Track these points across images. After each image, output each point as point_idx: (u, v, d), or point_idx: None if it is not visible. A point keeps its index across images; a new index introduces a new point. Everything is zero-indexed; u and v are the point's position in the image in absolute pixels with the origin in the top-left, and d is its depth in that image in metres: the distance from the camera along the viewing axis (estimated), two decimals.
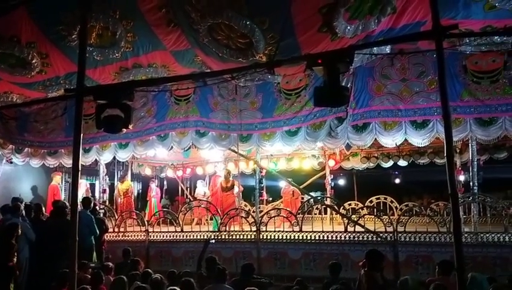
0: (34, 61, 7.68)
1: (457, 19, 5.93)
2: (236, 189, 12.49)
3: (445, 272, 6.02)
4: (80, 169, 5.19)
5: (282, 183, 14.48)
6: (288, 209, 11.84)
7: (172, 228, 10.90)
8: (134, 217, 11.80)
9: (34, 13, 6.78)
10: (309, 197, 12.58)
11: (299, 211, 11.23)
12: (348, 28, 6.33)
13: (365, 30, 6.44)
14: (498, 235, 8.49)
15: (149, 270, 7.15)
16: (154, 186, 15.47)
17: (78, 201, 6.33)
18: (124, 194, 13.91)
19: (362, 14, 6.13)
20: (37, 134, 11.45)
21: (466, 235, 8.54)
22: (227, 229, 10.34)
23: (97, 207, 10.87)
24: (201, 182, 15.89)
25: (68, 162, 11.60)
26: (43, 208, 9.72)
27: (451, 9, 5.94)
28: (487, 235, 8.56)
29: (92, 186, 15.12)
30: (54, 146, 11.66)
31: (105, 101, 5.64)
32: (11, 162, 12.74)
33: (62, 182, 14.01)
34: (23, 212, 8.53)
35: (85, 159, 10.89)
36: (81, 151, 5.34)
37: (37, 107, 10.75)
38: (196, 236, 10.43)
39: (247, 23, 6.32)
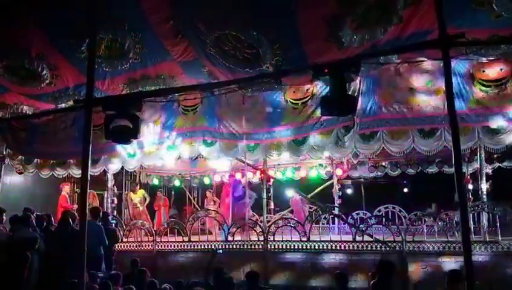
0: (43, 73, 7.79)
1: (463, 27, 5.95)
2: (247, 199, 12.48)
3: (454, 281, 5.96)
4: (89, 179, 5.23)
5: (290, 193, 14.42)
6: (295, 219, 11.79)
7: (179, 238, 10.90)
8: (142, 227, 11.81)
9: (44, 26, 6.88)
10: (317, 207, 12.54)
11: (307, 219, 11.15)
12: (355, 37, 6.36)
13: (371, 40, 6.46)
14: (508, 244, 8.40)
15: (155, 280, 7.15)
16: (161, 195, 15.48)
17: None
18: (141, 203, 14.00)
19: (369, 23, 6.16)
20: (46, 145, 11.50)
21: (475, 244, 8.47)
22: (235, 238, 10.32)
23: (110, 217, 10.88)
24: (209, 192, 15.88)
25: (77, 172, 11.66)
26: (53, 219, 9.76)
27: (457, 18, 5.94)
28: (496, 244, 8.48)
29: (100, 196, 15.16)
30: (63, 157, 11.73)
31: (114, 111, 5.70)
32: (21, 173, 12.82)
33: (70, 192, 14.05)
34: (34, 222, 8.57)
35: (93, 170, 10.94)
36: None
37: (47, 118, 10.85)
38: (204, 246, 10.42)
39: (254, 33, 6.37)
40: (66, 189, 13.32)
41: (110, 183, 12.90)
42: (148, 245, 10.95)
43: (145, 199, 14.46)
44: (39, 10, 6.52)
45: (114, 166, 11.53)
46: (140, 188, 14.82)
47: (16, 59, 7.46)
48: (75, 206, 12.76)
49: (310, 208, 13.68)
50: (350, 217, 12.11)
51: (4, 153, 12.19)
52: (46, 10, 6.49)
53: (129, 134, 5.79)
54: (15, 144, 11.81)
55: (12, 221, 8.44)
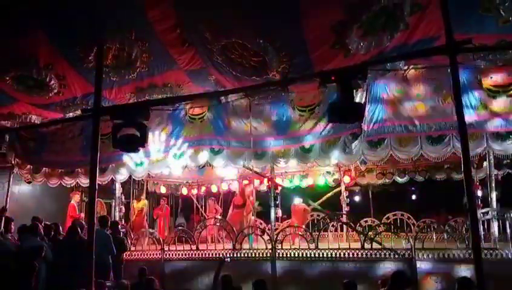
0: (51, 82, 7.84)
1: (470, 33, 5.92)
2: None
3: (464, 288, 5.90)
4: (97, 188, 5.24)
5: (296, 201, 14.37)
6: (296, 224, 11.77)
7: (187, 247, 10.89)
8: (151, 236, 11.81)
9: (51, 36, 6.93)
10: (324, 215, 12.50)
11: (317, 228, 11.11)
12: (361, 44, 6.36)
13: (378, 46, 6.46)
14: None
15: None
16: (163, 204, 15.45)
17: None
18: (139, 212, 13.97)
19: (375, 30, 6.16)
20: (54, 154, 11.55)
21: (486, 251, 8.37)
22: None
23: (119, 227, 10.89)
24: (212, 200, 15.87)
25: (85, 181, 11.69)
26: (61, 228, 9.79)
27: (464, 24, 5.93)
28: (507, 251, 8.39)
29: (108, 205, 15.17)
30: (71, 166, 11.78)
31: (121, 120, 5.72)
32: (29, 182, 12.88)
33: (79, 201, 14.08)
34: (42, 232, 8.59)
35: (101, 179, 10.96)
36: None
37: (55, 127, 10.91)
38: (212, 254, 10.40)
39: (260, 41, 6.39)
40: (76, 198, 13.36)
41: (118, 192, 12.92)
42: (156, 254, 10.94)
43: (142, 209, 14.30)
44: (47, 20, 6.57)
45: (121, 175, 11.55)
46: (146, 197, 14.81)
47: (24, 69, 7.50)
48: (83, 214, 12.78)
49: (318, 215, 13.61)
50: (358, 224, 12.04)
51: (13, 162, 12.25)
52: (53, 20, 6.53)
53: (137, 142, 5.80)
54: (23, 153, 11.89)
55: (20, 230, 8.48)
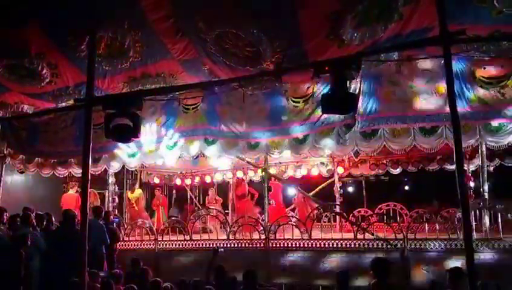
0: (43, 72, 7.78)
1: (464, 24, 5.92)
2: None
3: (456, 278, 5.95)
4: (89, 178, 5.22)
5: (293, 191, 14.42)
6: (297, 217, 11.81)
7: (181, 237, 10.91)
8: (143, 226, 11.81)
9: (44, 25, 6.86)
10: (319, 205, 12.54)
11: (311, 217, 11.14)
12: (355, 35, 6.35)
13: (372, 37, 6.45)
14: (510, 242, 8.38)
15: (158, 279, 7.13)
16: (159, 194, 15.45)
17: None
18: (136, 203, 13.96)
19: (369, 21, 6.15)
20: (47, 144, 11.50)
21: (477, 242, 8.44)
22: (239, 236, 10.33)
23: (111, 217, 10.88)
24: (211, 190, 15.87)
25: (77, 171, 11.65)
26: (53, 218, 9.76)
27: (458, 14, 5.93)
28: (498, 242, 8.47)
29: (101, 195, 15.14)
30: (63, 156, 11.73)
31: (114, 110, 5.69)
32: (22, 172, 12.82)
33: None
34: (34, 221, 8.57)
35: (94, 169, 10.92)
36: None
37: (47, 117, 10.85)
38: (206, 245, 10.42)
39: (254, 31, 6.36)
40: (74, 189, 13.27)
41: (111, 182, 12.89)
42: (150, 244, 10.96)
43: (138, 199, 14.30)
44: (39, 9, 6.49)
45: (114, 165, 11.52)
46: (139, 187, 14.78)
47: (15, 58, 7.45)
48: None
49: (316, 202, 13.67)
50: (352, 215, 12.11)
51: (5, 152, 12.20)
52: (46, 9, 6.46)
53: (130, 133, 5.77)
54: (16, 143, 11.83)
55: (10, 220, 8.46)
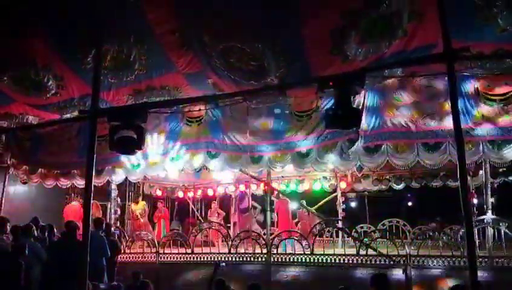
0: (49, 83, 7.84)
1: (468, 42, 5.94)
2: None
3: None
4: (92, 190, 5.22)
5: (295, 205, 14.37)
6: (299, 232, 11.74)
7: (182, 250, 10.87)
8: (145, 238, 11.76)
9: (50, 37, 6.92)
10: (321, 220, 12.50)
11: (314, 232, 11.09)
12: (359, 50, 6.38)
13: (376, 53, 6.48)
14: None
15: None
16: (161, 207, 15.42)
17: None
18: (141, 215, 13.96)
19: (373, 37, 6.18)
20: (51, 155, 11.52)
21: (480, 259, 8.37)
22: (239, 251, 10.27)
23: (112, 229, 10.85)
24: (214, 203, 15.83)
25: (80, 182, 11.65)
26: (55, 229, 9.74)
27: (462, 32, 5.95)
28: (502, 259, 8.39)
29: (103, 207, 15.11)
30: (67, 167, 11.74)
31: (119, 122, 5.69)
32: (25, 183, 12.83)
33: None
34: (35, 232, 8.55)
35: (97, 180, 10.92)
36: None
37: (51, 128, 10.88)
38: (207, 258, 10.36)
39: (259, 46, 6.40)
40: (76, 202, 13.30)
41: (113, 194, 12.88)
42: (151, 257, 10.91)
43: (145, 211, 14.35)
44: (46, 21, 6.56)
45: (117, 177, 11.53)
46: (142, 200, 14.77)
47: (21, 69, 7.50)
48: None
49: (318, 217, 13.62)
50: (354, 230, 12.04)
51: (9, 162, 12.22)
52: (52, 21, 6.53)
53: (134, 145, 5.77)
54: (20, 153, 11.85)
55: (13, 231, 8.44)
